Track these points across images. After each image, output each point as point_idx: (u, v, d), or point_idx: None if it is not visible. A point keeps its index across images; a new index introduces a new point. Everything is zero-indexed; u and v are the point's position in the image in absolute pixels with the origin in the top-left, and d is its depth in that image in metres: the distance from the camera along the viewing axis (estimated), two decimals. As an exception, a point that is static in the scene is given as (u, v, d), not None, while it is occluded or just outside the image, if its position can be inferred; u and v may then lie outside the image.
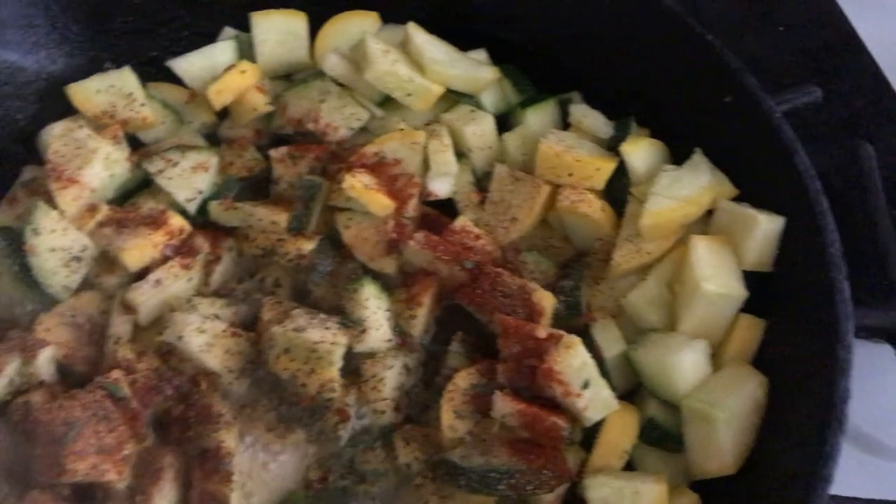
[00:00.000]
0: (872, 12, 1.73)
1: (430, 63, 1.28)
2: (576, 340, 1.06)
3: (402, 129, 1.27)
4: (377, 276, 1.21)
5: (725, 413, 1.00)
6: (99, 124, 1.29)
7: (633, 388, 1.13)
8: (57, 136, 1.23)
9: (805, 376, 1.01)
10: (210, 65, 1.35)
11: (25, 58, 1.30)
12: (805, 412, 0.98)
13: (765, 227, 1.09)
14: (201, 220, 1.26)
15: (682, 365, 1.05)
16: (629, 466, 1.08)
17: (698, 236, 1.11)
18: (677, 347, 1.06)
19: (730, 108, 1.18)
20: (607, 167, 1.19)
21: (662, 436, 1.06)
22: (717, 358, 1.09)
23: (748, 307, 1.10)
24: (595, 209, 1.19)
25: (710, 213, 1.17)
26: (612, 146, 1.24)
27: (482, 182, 1.29)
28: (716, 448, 1.01)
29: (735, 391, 1.03)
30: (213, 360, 1.12)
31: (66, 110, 1.30)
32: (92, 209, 1.21)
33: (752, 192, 1.16)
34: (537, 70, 1.36)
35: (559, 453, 1.03)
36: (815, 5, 1.69)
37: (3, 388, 1.08)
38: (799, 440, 0.96)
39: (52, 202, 1.18)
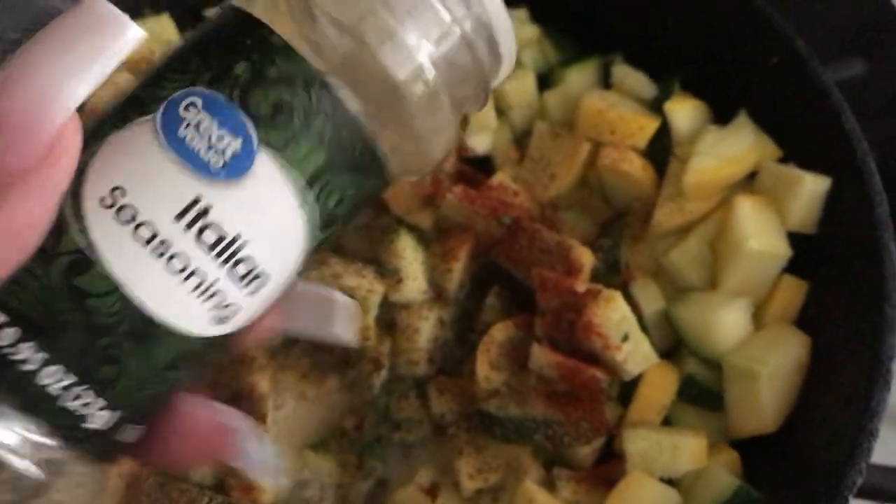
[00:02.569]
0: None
1: (472, 19, 1.27)
2: (616, 294, 1.05)
3: (442, 84, 1.25)
4: (413, 230, 1.20)
5: (768, 369, 0.99)
6: (137, 70, 1.28)
7: (672, 347, 1.12)
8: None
9: (850, 336, 0.99)
10: (249, 15, 1.34)
11: (64, 3, 1.28)
12: (849, 371, 0.97)
13: (810, 188, 1.08)
14: (237, 169, 1.25)
15: (724, 322, 1.04)
16: (666, 422, 1.06)
17: (744, 195, 1.10)
18: (719, 304, 1.05)
19: (776, 70, 1.17)
20: (651, 125, 1.18)
21: (702, 393, 1.05)
22: (758, 318, 1.08)
23: (791, 269, 1.09)
24: (636, 168, 1.18)
25: (752, 175, 1.16)
26: (655, 106, 1.23)
27: (521, 139, 1.28)
28: (756, 405, 1.00)
29: (777, 349, 1.02)
30: (249, 304, 1.11)
31: (105, 56, 1.29)
32: (128, 153, 1.21)
33: (797, 154, 1.14)
34: (579, 31, 1.34)
35: (598, 405, 1.02)
36: (857, -19, 1.67)
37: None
38: (843, 398, 0.95)
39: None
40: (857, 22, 1.59)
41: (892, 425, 1.32)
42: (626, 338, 1.03)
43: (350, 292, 1.09)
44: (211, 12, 1.32)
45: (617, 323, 1.03)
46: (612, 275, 1.15)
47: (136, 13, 1.33)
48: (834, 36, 1.59)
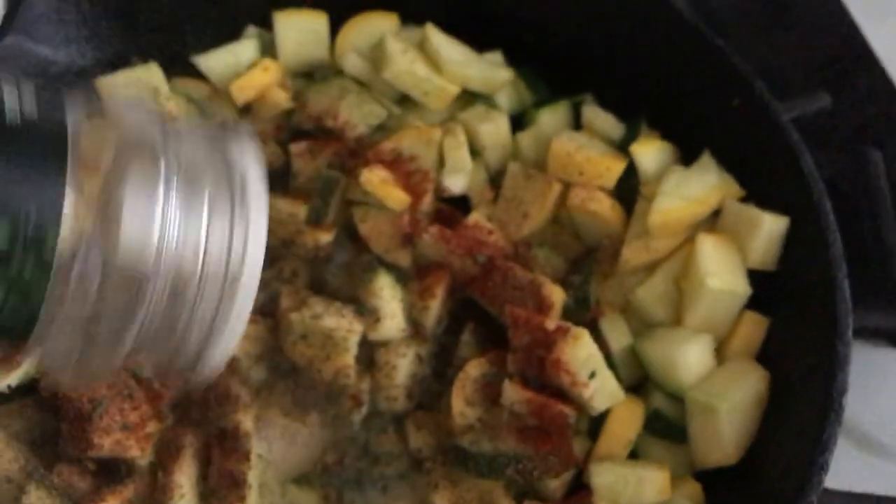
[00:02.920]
0: (884, 21, 1.76)
1: (447, 63, 1.32)
2: (583, 332, 1.09)
3: (418, 127, 1.30)
4: (392, 268, 1.24)
5: (728, 404, 1.04)
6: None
7: (639, 381, 1.16)
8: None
9: (805, 371, 1.04)
10: (233, 61, 1.39)
11: (56, 52, 1.34)
12: (805, 405, 1.01)
13: (769, 227, 1.13)
14: (223, 211, 1.30)
15: (688, 358, 1.08)
16: (633, 456, 1.11)
17: (705, 234, 1.15)
18: (683, 341, 1.10)
19: (738, 112, 1.22)
20: (617, 166, 1.23)
21: (667, 427, 1.09)
22: (721, 353, 1.12)
23: (753, 304, 1.13)
24: (605, 207, 1.23)
25: (717, 212, 1.20)
26: (622, 146, 1.28)
27: (495, 179, 1.32)
28: (718, 439, 1.04)
29: (738, 384, 1.06)
30: (233, 344, 1.16)
31: (95, 103, 1.35)
32: (118, 199, 1.26)
33: (758, 193, 1.19)
34: (551, 72, 1.39)
35: (566, 440, 1.07)
36: (827, 14, 1.71)
37: (33, 365, 1.12)
38: (798, 431, 0.99)
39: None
40: (823, 55, 1.64)
41: (861, 448, 1.38)
42: (592, 375, 1.07)
43: (330, 333, 1.13)
44: (198, 59, 1.38)
45: (584, 360, 1.08)
46: (583, 311, 1.20)
47: (124, 62, 1.39)
48: (799, 69, 1.65)
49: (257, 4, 1.43)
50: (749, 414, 1.05)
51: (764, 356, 1.12)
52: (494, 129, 1.32)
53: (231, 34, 1.44)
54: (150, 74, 1.35)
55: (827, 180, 1.40)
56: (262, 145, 1.35)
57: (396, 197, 1.25)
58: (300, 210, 1.26)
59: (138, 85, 1.34)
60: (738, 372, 1.08)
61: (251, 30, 1.45)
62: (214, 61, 1.39)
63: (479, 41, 1.39)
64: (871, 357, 1.39)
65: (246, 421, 1.11)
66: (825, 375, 0.99)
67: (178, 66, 1.41)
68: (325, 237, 1.25)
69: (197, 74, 1.40)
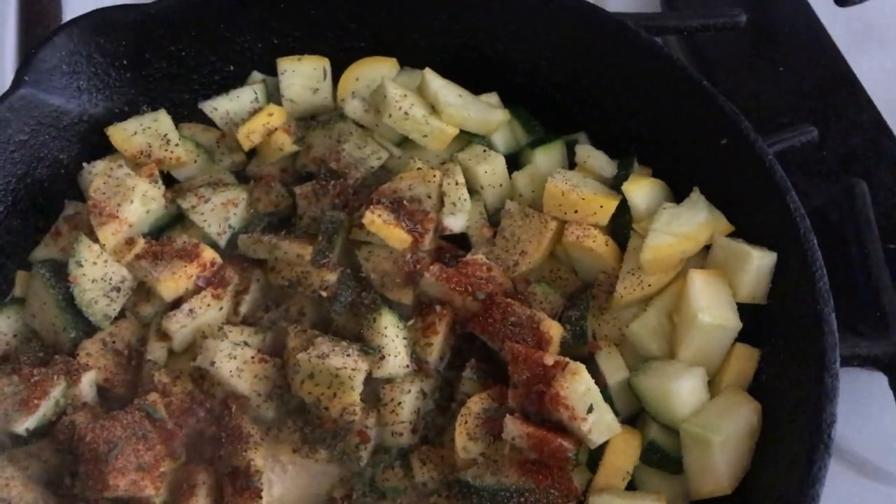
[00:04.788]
0: (869, 53, 1.80)
1: (445, 106, 1.36)
2: (580, 367, 1.13)
3: (418, 168, 1.35)
4: (395, 306, 1.28)
5: (721, 437, 1.07)
6: (136, 163, 1.38)
7: (635, 413, 1.20)
8: (98, 175, 1.33)
9: (795, 402, 1.08)
10: (239, 107, 1.44)
11: (69, 102, 1.39)
12: (795, 436, 1.05)
13: (758, 262, 1.17)
14: (231, 253, 1.35)
15: (681, 391, 1.12)
16: (631, 487, 1.14)
17: (696, 270, 1.19)
18: (676, 374, 1.14)
19: (726, 150, 1.26)
20: (610, 205, 1.27)
21: (663, 458, 1.13)
22: (713, 385, 1.16)
23: (743, 337, 1.17)
24: (599, 244, 1.27)
25: (707, 248, 1.24)
26: (615, 185, 1.32)
27: (494, 217, 1.37)
28: (712, 470, 1.08)
29: (730, 416, 1.10)
30: (243, 384, 1.20)
31: (106, 150, 1.39)
32: (130, 243, 1.30)
33: (746, 229, 1.23)
34: (546, 112, 1.44)
35: (566, 473, 1.10)
36: (814, 47, 1.76)
37: (50, 409, 1.16)
38: (789, 462, 1.03)
39: (93, 236, 1.27)
40: (809, 87, 1.68)
41: (855, 470, 1.41)
42: (590, 409, 1.11)
43: (336, 371, 1.17)
44: (205, 105, 1.43)
45: (582, 395, 1.11)
46: (580, 345, 1.24)
47: (134, 110, 1.43)
48: (786, 101, 1.69)
49: (262, 52, 1.47)
50: (742, 445, 1.09)
51: (755, 387, 1.15)
52: (492, 169, 1.37)
53: (237, 81, 1.48)
54: (159, 122, 1.40)
55: (815, 209, 1.45)
56: (269, 188, 1.41)
57: (398, 237, 1.29)
58: (306, 251, 1.30)
59: (148, 133, 1.39)
60: (731, 404, 1.12)
61: (256, 76, 1.49)
62: (221, 107, 1.43)
63: (475, 84, 1.44)
64: (863, 381, 1.43)
65: (257, 459, 1.15)
66: (814, 407, 1.02)
67: (186, 113, 1.46)
68: (331, 277, 1.29)
69: (205, 120, 1.45)
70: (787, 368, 1.12)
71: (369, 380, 1.21)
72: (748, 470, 1.10)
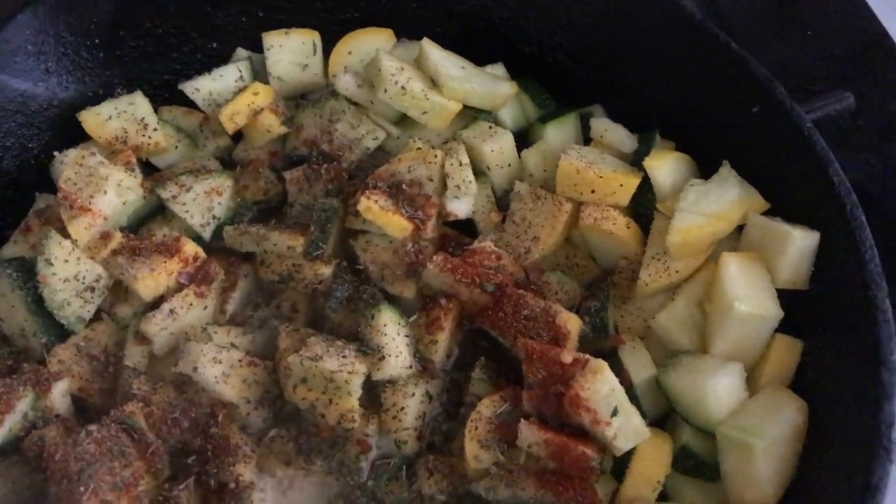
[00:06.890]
0: (904, 11, 1.68)
1: (446, 79, 1.25)
2: (602, 365, 1.02)
3: (418, 149, 1.24)
4: (396, 301, 1.18)
5: (764, 441, 0.96)
6: (112, 150, 1.27)
7: (665, 413, 1.09)
8: (69, 164, 1.22)
9: (847, 400, 0.96)
10: (223, 87, 1.33)
11: (36, 85, 1.29)
12: (849, 439, 0.93)
13: (799, 243, 1.05)
14: (216, 246, 1.24)
15: (717, 390, 1.01)
16: (663, 497, 1.03)
17: (729, 253, 1.07)
18: (711, 371, 1.02)
19: (758, 119, 1.14)
20: (631, 183, 1.15)
21: (698, 465, 1.02)
22: (752, 381, 1.05)
23: (784, 327, 1.05)
24: (620, 226, 1.15)
25: (740, 228, 1.13)
26: (635, 160, 1.20)
27: (502, 201, 1.26)
28: (754, 478, 0.97)
29: (773, 417, 0.98)
30: (230, 390, 1.10)
31: (79, 137, 1.28)
32: (105, 237, 1.19)
33: (784, 206, 1.11)
34: (557, 83, 1.32)
35: (589, 484, 0.99)
36: (845, 8, 1.64)
37: (17, 423, 1.06)
38: (843, 470, 0.91)
39: (64, 231, 1.17)
40: (842, 52, 1.56)
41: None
42: (615, 412, 1.00)
43: (331, 375, 1.06)
44: (186, 86, 1.32)
45: (605, 396, 1.00)
46: (601, 339, 1.13)
47: (109, 93, 1.33)
48: (818, 68, 1.56)
49: (246, 26, 1.36)
50: (787, 450, 0.97)
51: (799, 384, 1.04)
52: (499, 148, 1.25)
53: (221, 59, 1.38)
54: (135, 105, 1.29)
55: (855, 185, 1.33)
56: (257, 174, 1.31)
57: (398, 224, 1.18)
58: (298, 242, 1.19)
59: (124, 117, 1.28)
60: (773, 403, 1.00)
61: (240, 52, 1.38)
62: (203, 88, 1.32)
63: (478, 54, 1.32)
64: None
65: (247, 473, 1.05)
66: (870, 406, 0.91)
67: (167, 95, 1.35)
68: (325, 270, 1.18)
69: (186, 102, 1.34)
70: (836, 362, 1.00)
71: (369, 383, 1.10)
72: (794, 478, 0.98)
